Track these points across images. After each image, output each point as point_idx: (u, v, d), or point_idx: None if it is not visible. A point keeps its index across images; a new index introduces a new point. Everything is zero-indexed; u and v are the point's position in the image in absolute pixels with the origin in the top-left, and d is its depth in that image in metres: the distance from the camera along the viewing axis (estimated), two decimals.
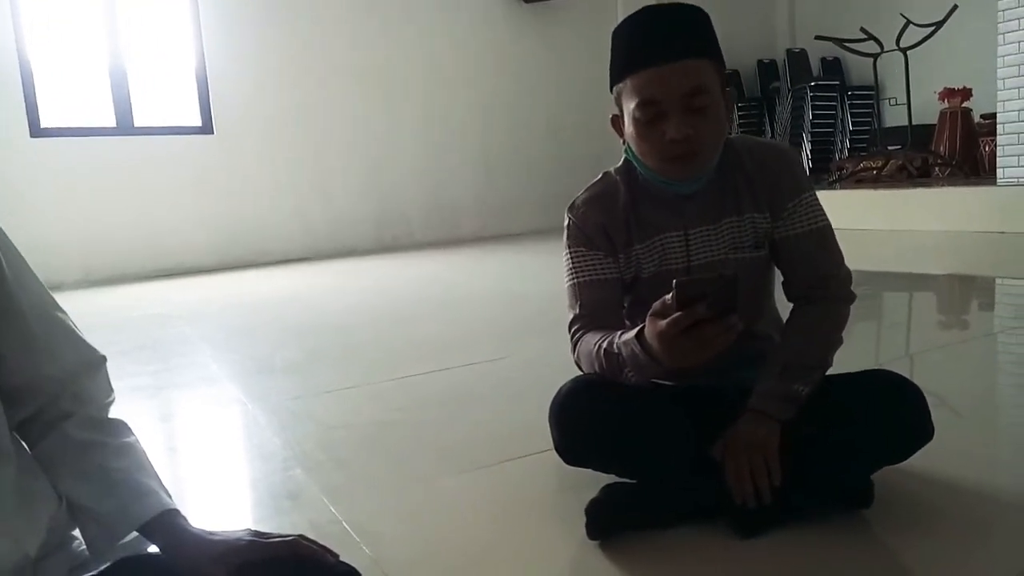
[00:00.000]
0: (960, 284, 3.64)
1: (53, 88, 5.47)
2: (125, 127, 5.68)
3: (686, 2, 1.14)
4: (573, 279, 1.25)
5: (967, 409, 1.77)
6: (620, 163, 1.27)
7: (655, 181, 1.20)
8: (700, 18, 1.14)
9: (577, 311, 1.24)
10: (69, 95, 5.57)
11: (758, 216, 1.22)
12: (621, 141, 1.22)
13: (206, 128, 5.94)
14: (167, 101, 5.88)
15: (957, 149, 6.00)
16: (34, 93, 5.35)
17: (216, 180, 5.94)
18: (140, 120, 5.74)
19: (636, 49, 1.13)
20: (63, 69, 5.54)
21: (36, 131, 5.35)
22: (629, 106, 1.15)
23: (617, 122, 1.22)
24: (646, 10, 1.14)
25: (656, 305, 1.00)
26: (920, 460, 1.20)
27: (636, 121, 1.14)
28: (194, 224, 5.85)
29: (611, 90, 1.19)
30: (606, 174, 1.27)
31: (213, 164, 5.93)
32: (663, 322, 0.98)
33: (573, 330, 1.24)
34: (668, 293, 0.99)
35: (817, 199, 1.24)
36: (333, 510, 1.35)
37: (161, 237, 5.73)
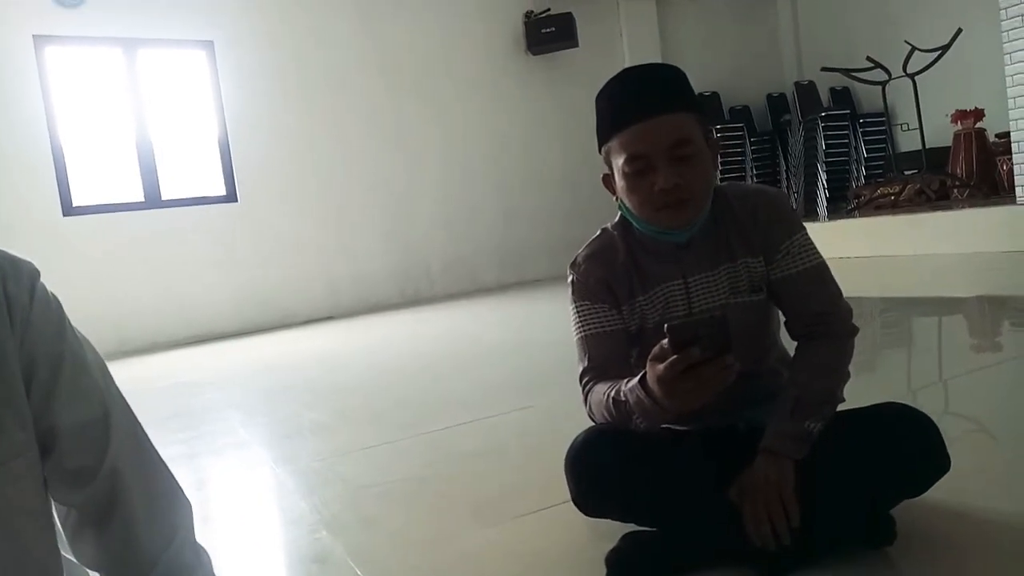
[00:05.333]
0: (989, 305, 3.59)
1: (83, 167, 5.68)
2: (153, 200, 5.87)
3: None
4: (580, 332, 1.28)
5: (1004, 433, 1.74)
6: (616, 219, 1.31)
7: (650, 233, 1.24)
8: (678, 75, 1.20)
9: (586, 363, 1.27)
10: (99, 173, 5.78)
11: (752, 260, 1.25)
12: (614, 198, 1.27)
13: (230, 196, 6.12)
14: (192, 172, 6.08)
15: (975, 170, 5.97)
16: (66, 174, 5.57)
17: (242, 246, 6.10)
18: (167, 193, 5.93)
19: (620, 108, 1.18)
20: (92, 148, 5.76)
21: (68, 210, 5.55)
22: (618, 162, 1.20)
23: (608, 181, 1.27)
24: (625, 72, 1.21)
25: (655, 350, 1.03)
26: (951, 492, 1.19)
27: (626, 176, 1.19)
28: (222, 290, 5.99)
29: (600, 151, 1.24)
30: (604, 230, 1.32)
31: (238, 231, 6.09)
32: (661, 366, 1.01)
33: (583, 382, 1.27)
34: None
35: (809, 238, 1.26)
36: (359, 572, 1.37)
37: (191, 304, 5.86)
